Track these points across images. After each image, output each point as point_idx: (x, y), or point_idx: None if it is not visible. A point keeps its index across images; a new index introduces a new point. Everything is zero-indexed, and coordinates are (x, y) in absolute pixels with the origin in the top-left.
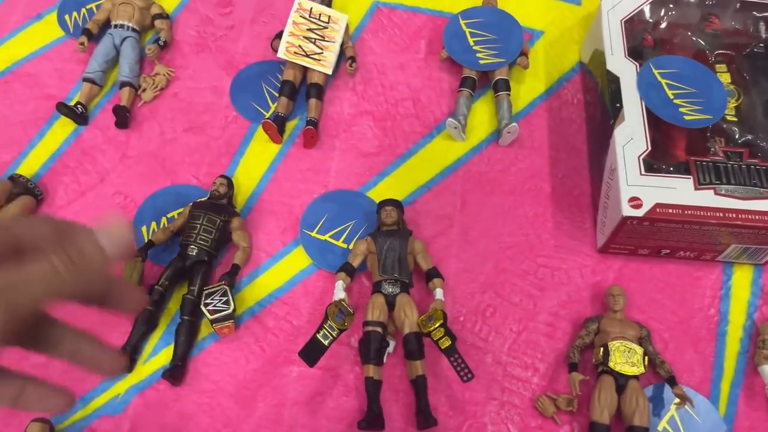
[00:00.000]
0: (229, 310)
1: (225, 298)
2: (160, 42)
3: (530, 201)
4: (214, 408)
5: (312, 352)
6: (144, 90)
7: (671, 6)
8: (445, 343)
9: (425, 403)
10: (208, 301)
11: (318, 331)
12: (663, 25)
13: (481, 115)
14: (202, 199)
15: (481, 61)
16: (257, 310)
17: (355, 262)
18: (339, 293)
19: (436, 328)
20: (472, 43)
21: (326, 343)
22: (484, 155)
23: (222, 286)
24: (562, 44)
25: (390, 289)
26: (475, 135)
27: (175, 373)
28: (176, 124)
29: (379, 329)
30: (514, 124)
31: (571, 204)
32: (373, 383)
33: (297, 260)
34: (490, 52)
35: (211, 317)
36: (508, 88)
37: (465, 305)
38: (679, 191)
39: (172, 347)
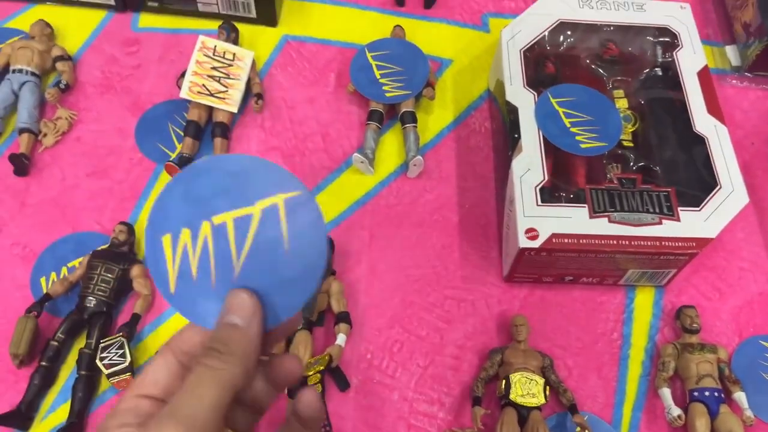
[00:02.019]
0: (126, 363)
1: (121, 351)
2: (61, 85)
3: (438, 232)
4: None
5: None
6: (45, 135)
7: (569, 33)
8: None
9: None
10: (103, 354)
11: None
12: (563, 53)
13: (390, 147)
14: (102, 248)
15: (388, 94)
16: None
17: None
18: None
19: (315, 372)
20: (378, 76)
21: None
22: (392, 188)
23: (119, 338)
24: (471, 72)
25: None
26: (383, 168)
27: (70, 431)
28: (79, 169)
29: None
30: (419, 156)
31: (478, 234)
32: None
33: None
34: (396, 84)
35: (106, 371)
36: (415, 120)
37: (373, 342)
38: (575, 220)
39: (69, 404)
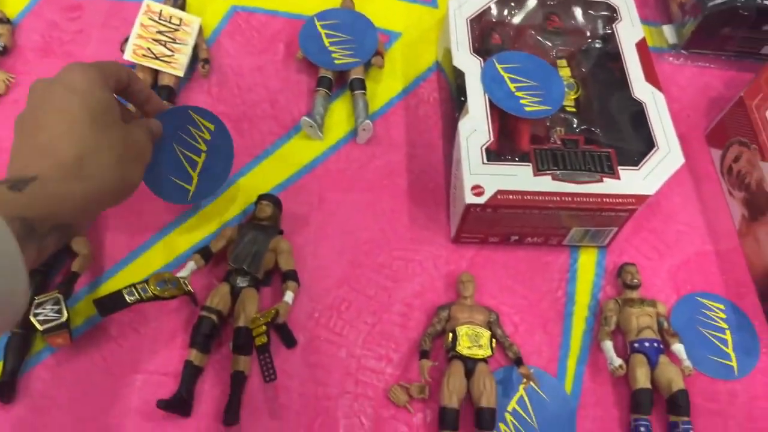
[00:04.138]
0: (62, 319)
1: (57, 307)
2: None
3: (387, 197)
4: (47, 425)
5: (109, 303)
6: None
7: (514, 6)
8: (260, 340)
9: (235, 400)
10: (38, 310)
11: (126, 287)
12: (508, 24)
13: (340, 115)
14: None
15: (336, 61)
16: (99, 320)
17: (215, 247)
18: (183, 272)
19: (260, 324)
20: (327, 44)
21: (129, 299)
22: (342, 153)
23: (54, 295)
24: (420, 45)
25: (238, 281)
26: (333, 134)
27: (2, 390)
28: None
29: (213, 317)
30: (368, 121)
31: (427, 198)
32: (192, 368)
33: (145, 266)
34: (345, 52)
35: (41, 327)
36: (364, 87)
37: (320, 301)
38: (519, 178)
39: (1, 365)
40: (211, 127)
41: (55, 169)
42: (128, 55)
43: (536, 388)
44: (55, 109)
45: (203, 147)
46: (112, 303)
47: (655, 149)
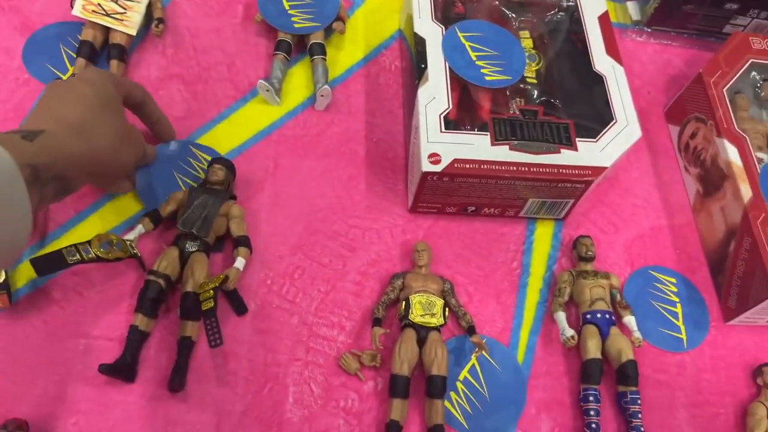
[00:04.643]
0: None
1: None
2: None
3: (345, 164)
4: None
5: (48, 263)
6: None
7: None
8: (206, 305)
9: (182, 365)
10: None
11: (67, 247)
12: None
13: (298, 80)
14: None
15: (296, 25)
16: (41, 283)
17: (165, 211)
18: (130, 234)
19: (207, 289)
20: (287, 7)
21: (70, 259)
22: (299, 119)
23: None
24: (383, 13)
25: (188, 246)
26: (290, 99)
27: None
28: None
29: (160, 280)
30: (327, 86)
31: (385, 167)
32: (137, 332)
33: (91, 227)
34: (305, 16)
35: None
36: (324, 53)
37: (273, 268)
38: (477, 147)
39: None
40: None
41: (62, 126)
42: (77, 11)
43: (488, 357)
44: (68, 89)
45: (202, 175)
46: (52, 263)
47: (613, 122)
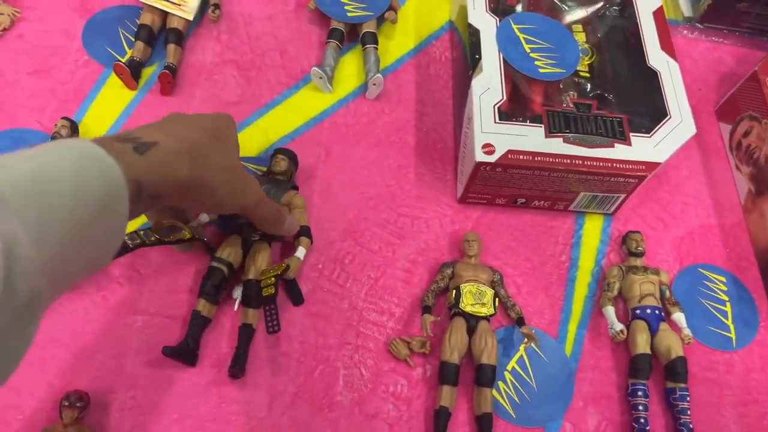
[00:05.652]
0: None
1: None
2: None
3: (394, 153)
4: (45, 361)
5: None
6: None
7: None
8: (267, 291)
9: (242, 353)
10: None
11: (129, 233)
12: None
13: (350, 69)
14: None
15: (349, 14)
16: None
17: None
18: (194, 222)
19: (269, 276)
20: None
21: (131, 244)
22: (350, 107)
23: None
24: (433, 3)
25: (250, 234)
26: (342, 87)
27: None
28: (19, 67)
29: (223, 267)
30: (379, 75)
31: (434, 157)
32: (199, 317)
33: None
34: (358, 5)
35: None
36: (376, 42)
37: (324, 253)
38: (531, 139)
39: None
40: None
41: (175, 142)
42: None
43: (536, 348)
44: (189, 116)
45: None
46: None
47: (667, 118)
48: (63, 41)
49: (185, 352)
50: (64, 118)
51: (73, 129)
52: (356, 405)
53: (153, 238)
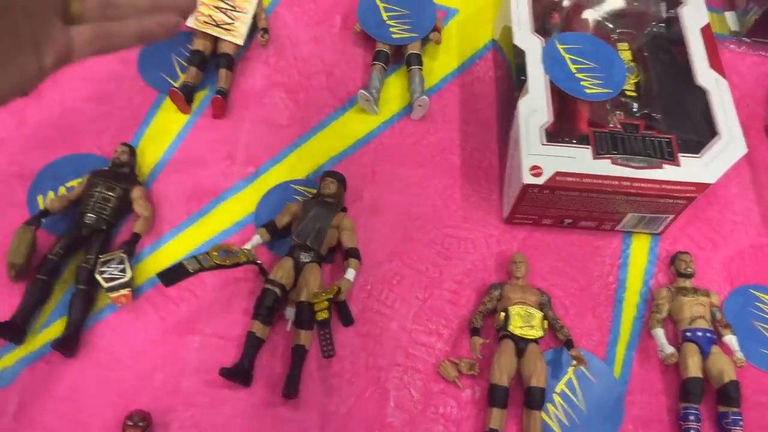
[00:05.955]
0: (126, 278)
1: (122, 266)
2: None
3: (440, 173)
4: (109, 380)
5: (172, 274)
6: None
7: None
8: (321, 315)
9: (296, 374)
10: (103, 269)
11: (188, 257)
12: (568, 4)
13: (395, 90)
14: (103, 168)
15: (394, 35)
16: (158, 281)
17: (280, 222)
18: (248, 244)
19: (322, 300)
20: (385, 18)
21: (190, 269)
22: (396, 128)
23: (119, 254)
24: (476, 23)
25: (302, 256)
26: (387, 109)
27: (66, 343)
28: (79, 93)
29: (276, 289)
30: (424, 96)
31: (480, 177)
32: (253, 339)
33: (201, 231)
34: (403, 26)
35: (105, 285)
36: (420, 63)
37: (372, 274)
38: (579, 160)
39: (66, 319)
40: None
41: None
42: (191, 22)
43: (585, 371)
44: None
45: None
46: (176, 274)
47: (717, 137)
48: (120, 68)
49: (241, 373)
50: (123, 144)
51: (132, 154)
52: (407, 426)
53: (211, 263)
